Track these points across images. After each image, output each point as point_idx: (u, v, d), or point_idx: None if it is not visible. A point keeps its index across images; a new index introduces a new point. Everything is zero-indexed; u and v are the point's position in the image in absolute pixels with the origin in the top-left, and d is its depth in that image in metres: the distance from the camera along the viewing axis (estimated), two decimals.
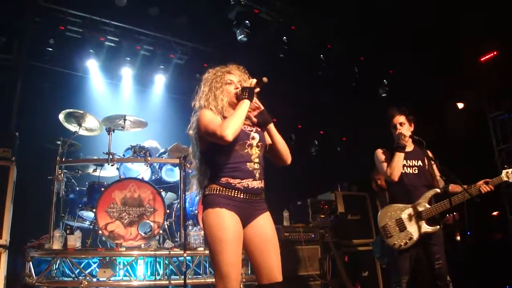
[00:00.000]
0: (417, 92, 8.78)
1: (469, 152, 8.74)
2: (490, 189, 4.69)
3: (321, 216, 7.61)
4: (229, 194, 3.25)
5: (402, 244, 4.67)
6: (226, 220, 3.18)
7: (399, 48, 8.66)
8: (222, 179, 3.28)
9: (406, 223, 4.71)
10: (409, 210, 4.75)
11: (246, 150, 3.35)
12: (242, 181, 3.28)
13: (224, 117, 3.38)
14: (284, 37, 8.54)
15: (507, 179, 4.74)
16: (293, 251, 6.93)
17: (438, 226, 4.68)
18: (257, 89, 3.45)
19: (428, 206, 4.70)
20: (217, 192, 3.26)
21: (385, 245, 5.02)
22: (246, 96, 3.37)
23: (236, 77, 3.60)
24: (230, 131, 3.17)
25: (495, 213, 9.16)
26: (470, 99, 9.46)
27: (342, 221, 7.93)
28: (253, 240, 3.33)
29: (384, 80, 9.59)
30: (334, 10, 8.21)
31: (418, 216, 4.69)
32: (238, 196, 3.26)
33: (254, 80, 3.45)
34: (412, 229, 4.68)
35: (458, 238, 4.85)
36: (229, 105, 3.50)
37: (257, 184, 3.34)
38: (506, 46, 8.33)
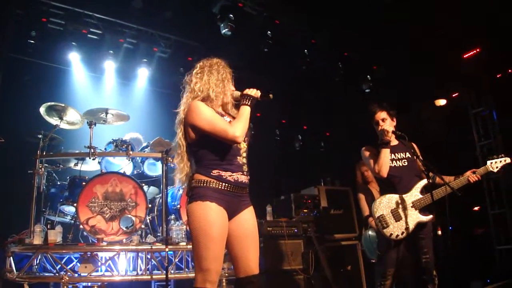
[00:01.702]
0: (400, 88, 8.82)
1: (451, 147, 8.81)
2: (478, 179, 4.78)
3: (304, 210, 7.61)
4: (219, 187, 3.27)
5: (399, 234, 4.66)
6: (214, 215, 3.20)
7: (383, 44, 8.68)
8: (213, 171, 3.30)
9: (401, 213, 4.71)
10: (403, 200, 4.75)
11: (237, 144, 3.40)
12: (233, 174, 3.33)
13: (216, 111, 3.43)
14: (269, 32, 8.51)
15: (492, 169, 4.84)
16: (276, 245, 6.92)
17: (431, 216, 4.71)
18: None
19: (420, 196, 4.73)
20: (206, 184, 3.27)
21: (380, 238, 5.04)
22: (248, 104, 3.49)
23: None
24: (241, 133, 3.31)
25: (476, 208, 9.26)
26: (452, 96, 9.54)
27: (325, 215, 7.94)
28: (235, 234, 3.37)
29: (368, 76, 9.62)
30: (319, 5, 8.19)
31: (412, 206, 4.70)
32: (227, 189, 3.29)
33: (259, 93, 3.56)
34: (408, 219, 4.68)
35: (439, 232, 4.87)
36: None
37: (245, 178, 3.41)
38: (488, 43, 8.39)
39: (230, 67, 3.69)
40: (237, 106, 3.64)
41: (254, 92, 3.54)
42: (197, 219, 3.19)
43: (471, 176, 4.77)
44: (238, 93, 3.60)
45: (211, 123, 3.29)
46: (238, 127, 3.31)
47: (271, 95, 3.58)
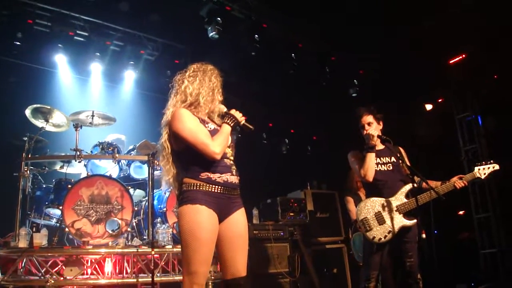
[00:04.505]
0: (387, 92, 8.87)
1: (436, 152, 8.88)
2: (464, 185, 4.81)
3: (291, 214, 7.63)
4: (209, 189, 3.28)
5: (382, 237, 4.68)
6: (204, 218, 3.21)
7: (369, 48, 8.73)
8: (201, 175, 3.31)
9: (385, 217, 4.73)
10: (387, 204, 4.77)
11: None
12: (221, 175, 3.34)
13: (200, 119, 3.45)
14: (256, 35, 8.52)
15: (479, 176, 4.87)
16: (262, 248, 6.94)
17: (416, 220, 4.72)
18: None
19: (405, 200, 4.75)
20: (196, 188, 3.27)
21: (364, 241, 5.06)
22: (231, 125, 3.50)
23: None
24: (221, 150, 3.33)
25: (461, 212, 9.33)
26: (438, 101, 9.62)
27: (311, 219, 7.97)
28: (225, 235, 3.37)
29: (354, 80, 9.67)
30: (306, 9, 8.22)
31: (396, 210, 4.72)
32: (218, 191, 3.30)
33: (244, 119, 3.59)
34: (391, 223, 4.69)
35: (424, 236, 4.91)
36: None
37: (235, 179, 3.43)
38: (474, 49, 8.47)
39: (221, 76, 3.70)
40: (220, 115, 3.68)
41: (239, 116, 3.56)
42: (187, 222, 3.20)
43: (457, 182, 4.79)
44: (223, 108, 3.62)
45: (193, 134, 3.30)
46: (218, 143, 3.32)
47: (252, 127, 3.62)
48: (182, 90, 3.53)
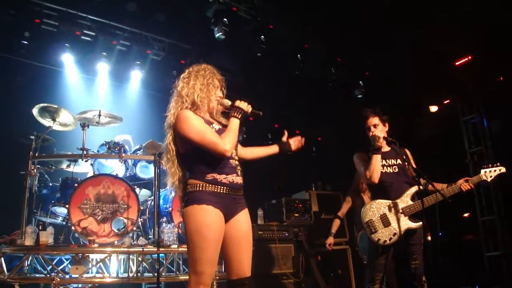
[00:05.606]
0: (392, 94, 8.87)
1: (441, 154, 8.87)
2: (471, 187, 4.76)
3: (295, 215, 7.65)
4: (215, 190, 3.29)
5: (387, 239, 4.67)
6: (211, 218, 3.23)
7: (375, 50, 8.73)
8: (207, 176, 3.32)
9: (391, 219, 4.71)
10: (393, 206, 4.75)
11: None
12: (227, 177, 3.35)
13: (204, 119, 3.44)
14: (262, 36, 8.52)
15: (485, 178, 4.83)
16: (267, 249, 6.95)
17: (421, 222, 4.70)
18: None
19: (411, 202, 4.73)
20: (202, 188, 3.29)
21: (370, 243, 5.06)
22: (238, 117, 3.50)
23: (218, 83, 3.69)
24: (231, 146, 3.34)
25: (466, 214, 9.31)
26: (444, 103, 9.61)
27: (316, 220, 7.99)
28: (230, 236, 3.39)
29: (360, 82, 9.66)
30: (312, 10, 8.23)
31: (401, 212, 4.70)
32: (223, 192, 3.32)
33: (250, 107, 3.58)
34: (396, 225, 4.68)
35: (429, 238, 4.90)
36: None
37: (239, 179, 3.44)
38: (480, 50, 8.46)
39: (221, 74, 3.70)
40: (224, 113, 3.68)
41: (245, 106, 3.56)
42: (194, 221, 3.21)
43: (463, 184, 4.75)
44: (228, 102, 3.60)
45: (200, 134, 3.30)
46: (227, 141, 3.33)
47: (261, 112, 3.63)
48: (179, 91, 3.55)
